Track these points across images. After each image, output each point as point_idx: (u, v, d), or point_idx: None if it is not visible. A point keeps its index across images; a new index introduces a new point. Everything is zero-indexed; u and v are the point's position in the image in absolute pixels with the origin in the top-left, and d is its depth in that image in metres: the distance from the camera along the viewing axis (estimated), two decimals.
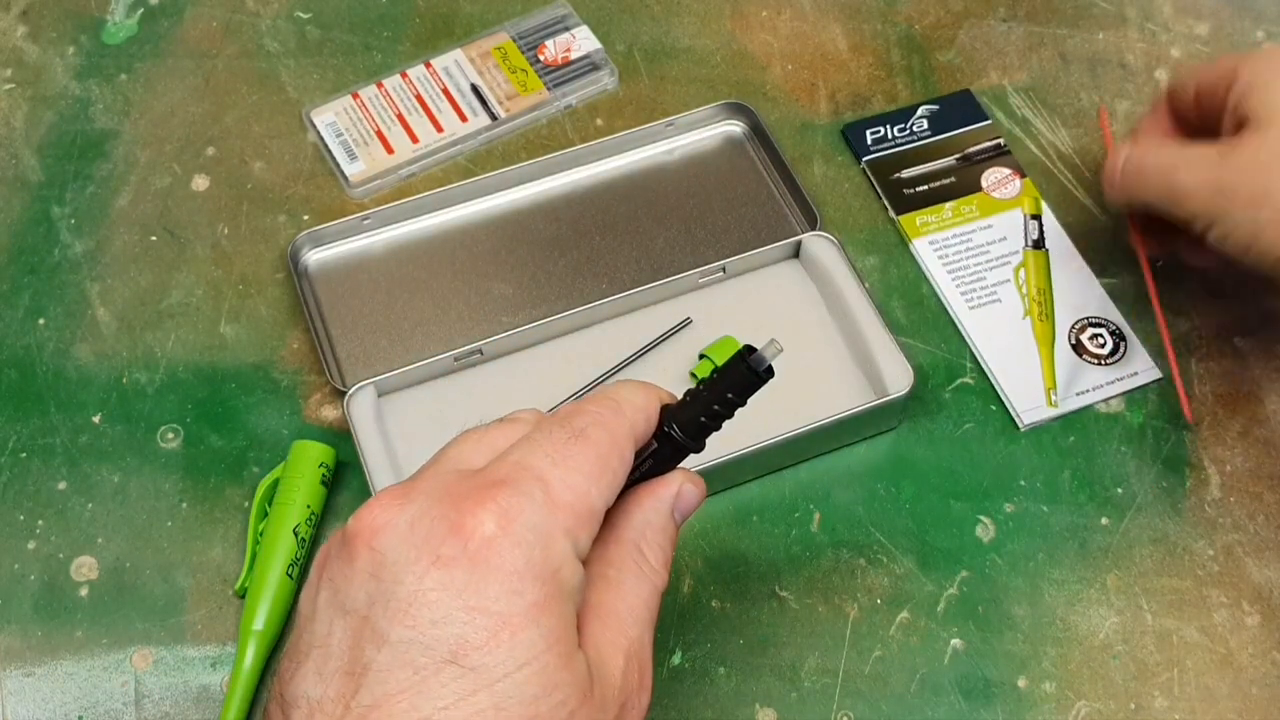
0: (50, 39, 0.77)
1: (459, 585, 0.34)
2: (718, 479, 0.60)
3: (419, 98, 0.73)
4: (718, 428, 0.41)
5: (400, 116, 0.72)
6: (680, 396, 0.42)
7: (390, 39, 0.77)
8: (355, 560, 0.36)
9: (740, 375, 0.41)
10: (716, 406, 0.41)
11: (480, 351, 0.63)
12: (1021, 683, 0.56)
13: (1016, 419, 0.63)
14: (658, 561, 0.40)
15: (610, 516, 0.39)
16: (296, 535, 0.57)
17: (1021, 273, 0.67)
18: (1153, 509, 0.61)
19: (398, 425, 0.62)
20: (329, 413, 0.63)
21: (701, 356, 0.62)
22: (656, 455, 0.41)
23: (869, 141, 0.72)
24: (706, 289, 0.65)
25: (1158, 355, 0.64)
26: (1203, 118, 0.59)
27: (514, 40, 0.75)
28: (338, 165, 0.71)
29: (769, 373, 0.41)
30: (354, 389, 0.61)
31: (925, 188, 0.70)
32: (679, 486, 0.41)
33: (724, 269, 0.65)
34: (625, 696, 0.37)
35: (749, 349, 0.41)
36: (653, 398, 0.41)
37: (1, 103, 0.74)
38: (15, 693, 0.56)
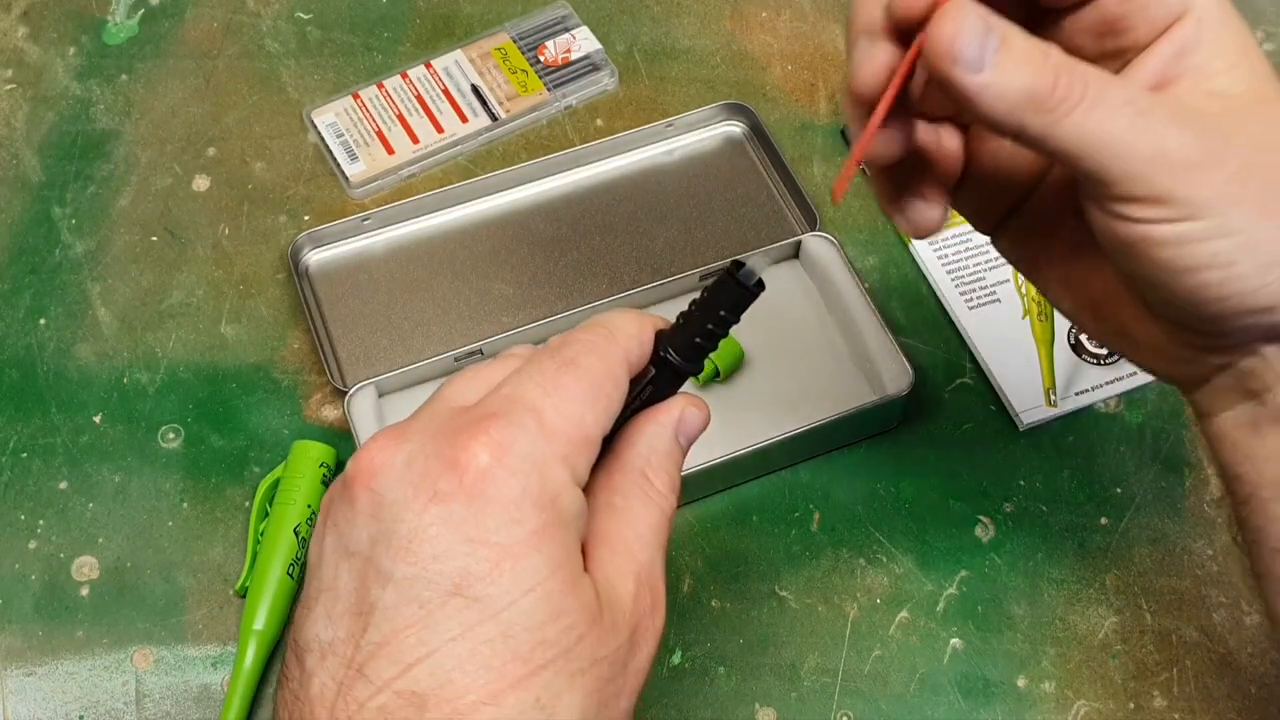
0: (51, 39, 0.77)
1: (458, 519, 0.34)
2: (718, 479, 0.60)
3: (419, 98, 0.73)
4: (714, 348, 0.41)
5: (401, 117, 0.72)
6: (675, 320, 0.41)
7: (391, 39, 0.77)
8: (356, 502, 0.36)
9: (731, 291, 0.40)
10: (710, 325, 0.40)
11: (480, 351, 0.63)
12: (1021, 682, 0.56)
13: (1016, 419, 0.63)
14: (664, 486, 0.40)
15: (614, 445, 0.39)
16: (297, 535, 0.57)
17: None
18: (1152, 509, 0.61)
19: None
20: (329, 413, 0.63)
21: None
22: (656, 381, 0.41)
23: None
24: None
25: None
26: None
27: (514, 41, 0.75)
28: (338, 166, 0.71)
29: (759, 286, 0.40)
30: (354, 389, 0.61)
31: None
32: (681, 410, 0.40)
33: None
34: (637, 620, 0.37)
35: (737, 264, 0.40)
36: (645, 324, 0.40)
37: (2, 103, 0.74)
38: (16, 692, 0.56)
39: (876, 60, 0.38)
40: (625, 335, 0.39)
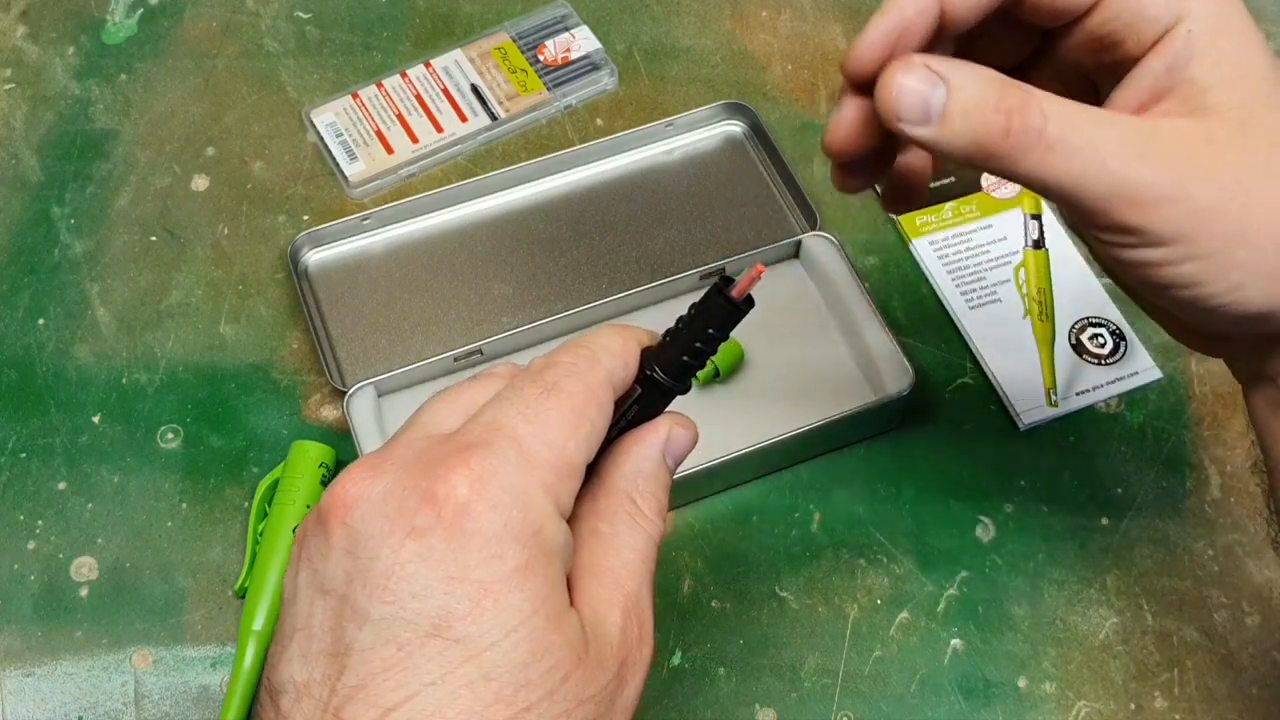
0: (50, 39, 0.77)
1: (437, 556, 0.33)
2: (718, 479, 0.60)
3: (419, 98, 0.73)
4: (701, 365, 0.40)
5: (400, 116, 0.72)
6: (661, 336, 0.40)
7: (390, 39, 0.77)
8: (330, 538, 0.35)
9: (719, 308, 0.39)
10: (698, 344, 0.39)
11: (480, 351, 0.63)
12: (1021, 683, 0.56)
13: (1016, 419, 0.63)
14: (651, 510, 0.38)
15: (599, 468, 0.38)
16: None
17: (1021, 272, 0.67)
18: (1153, 509, 0.61)
19: (397, 425, 0.62)
20: (329, 413, 0.63)
21: None
22: (642, 401, 0.39)
23: None
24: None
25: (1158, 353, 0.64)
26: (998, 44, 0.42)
27: (514, 40, 0.75)
28: (337, 165, 0.71)
29: (749, 303, 0.39)
30: (354, 389, 0.61)
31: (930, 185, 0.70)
32: (668, 430, 0.39)
33: (724, 269, 0.65)
34: (625, 653, 0.36)
35: (726, 280, 0.39)
36: (630, 342, 0.39)
37: (1, 103, 0.74)
38: (15, 693, 0.56)
39: (843, 120, 0.40)
40: (609, 355, 0.38)
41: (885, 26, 0.38)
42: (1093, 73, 0.41)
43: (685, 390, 0.40)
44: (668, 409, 0.40)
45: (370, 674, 0.33)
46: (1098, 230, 0.38)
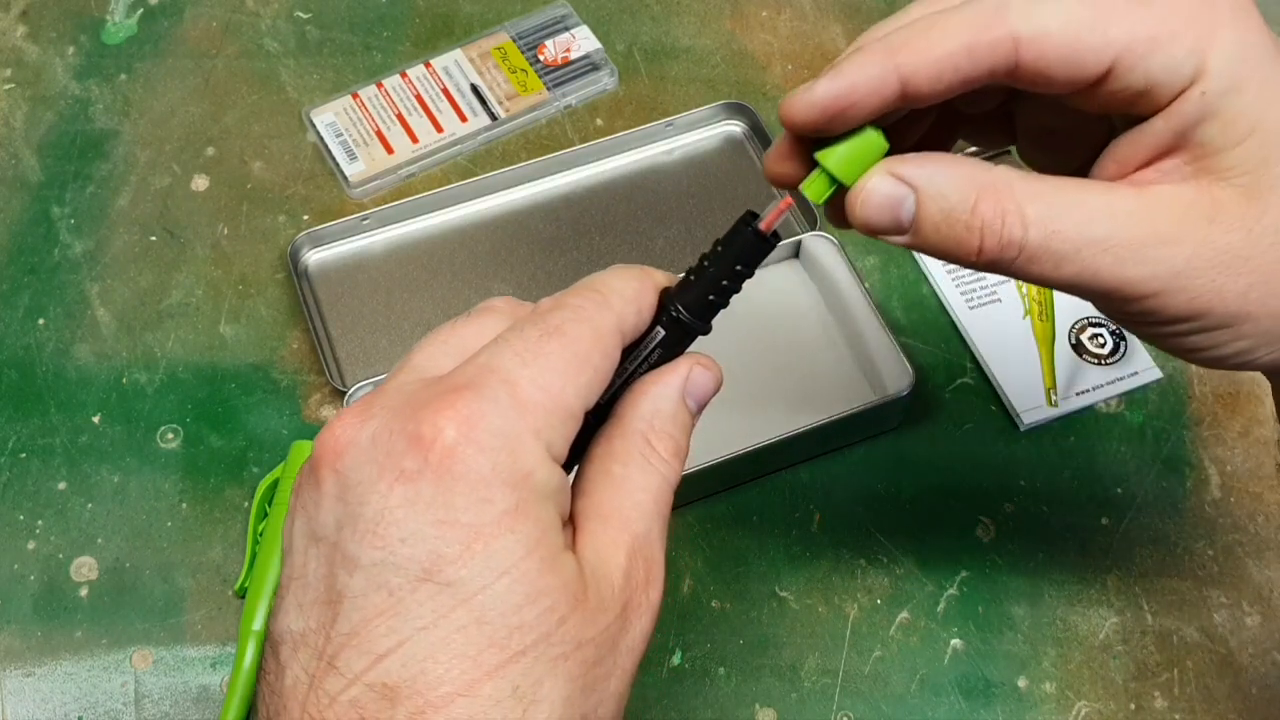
0: (50, 39, 0.77)
1: (425, 500, 0.32)
2: (718, 479, 0.60)
3: (419, 98, 0.73)
4: (726, 304, 0.38)
5: (400, 116, 0.72)
6: (684, 275, 0.39)
7: (390, 39, 0.77)
8: (322, 485, 0.34)
9: (747, 242, 0.38)
10: (725, 281, 0.38)
11: None
12: (1021, 683, 0.56)
13: (1016, 419, 0.63)
14: (667, 452, 0.37)
15: (616, 411, 0.37)
16: None
17: None
18: (1153, 509, 0.61)
19: None
20: (329, 413, 0.63)
21: None
22: (664, 343, 0.38)
23: None
24: None
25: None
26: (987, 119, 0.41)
27: (514, 40, 0.75)
28: (337, 165, 0.71)
29: (776, 237, 0.38)
30: (354, 389, 0.61)
31: None
32: (688, 370, 0.38)
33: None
34: (629, 595, 0.35)
35: (752, 214, 0.38)
36: (647, 285, 0.38)
37: (1, 103, 0.74)
38: (15, 693, 0.56)
39: (779, 151, 0.40)
40: (621, 300, 0.37)
41: (831, 92, 0.36)
42: (1110, 119, 0.39)
43: (707, 331, 0.39)
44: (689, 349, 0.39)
45: (362, 620, 0.32)
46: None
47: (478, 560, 0.32)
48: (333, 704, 0.32)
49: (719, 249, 0.38)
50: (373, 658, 0.32)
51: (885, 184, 0.36)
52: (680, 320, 0.38)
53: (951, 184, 0.36)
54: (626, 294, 0.37)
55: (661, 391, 0.37)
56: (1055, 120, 0.39)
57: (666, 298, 0.38)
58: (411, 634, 0.32)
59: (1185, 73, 0.35)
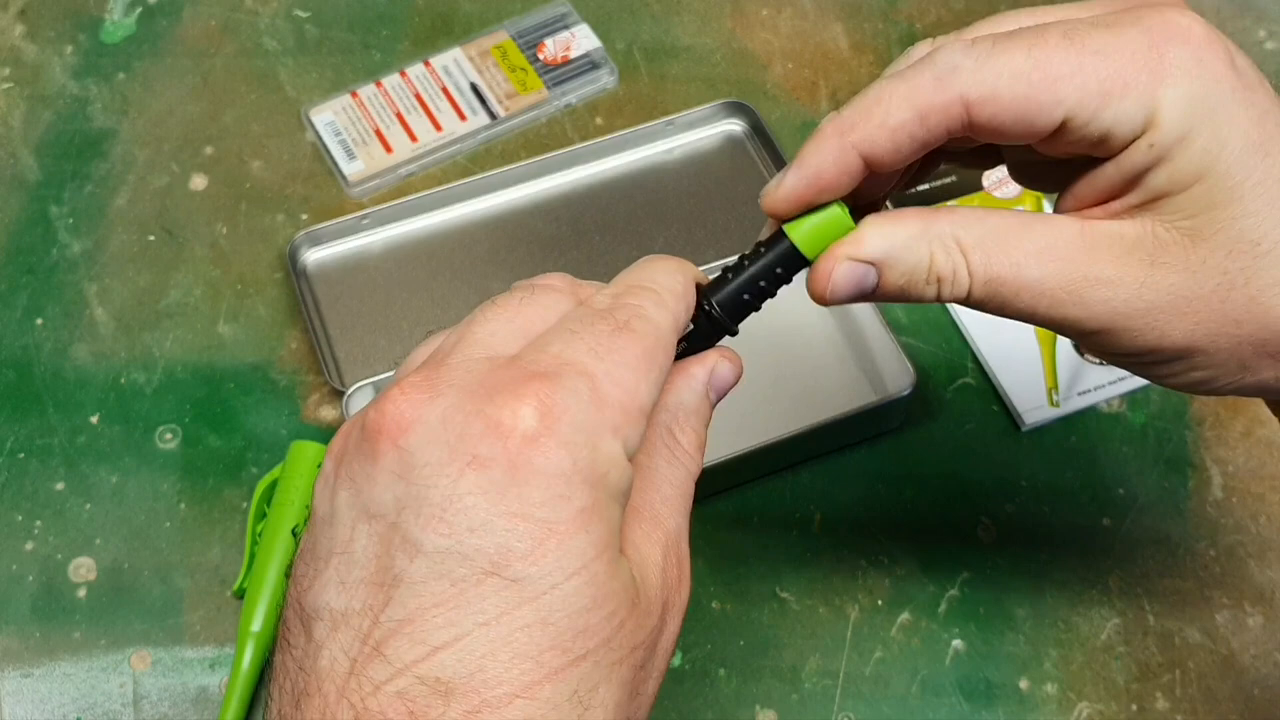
0: (48, 38, 0.76)
1: (499, 489, 0.31)
2: (718, 479, 0.60)
3: (418, 97, 0.73)
4: (758, 308, 0.39)
5: (399, 115, 0.72)
6: (722, 273, 0.39)
7: (389, 38, 0.76)
8: (379, 459, 0.32)
9: (788, 253, 0.38)
10: (762, 283, 0.38)
11: None
12: (1023, 684, 0.56)
13: (1018, 419, 0.63)
14: (690, 445, 0.37)
15: None
16: (295, 536, 0.57)
17: None
18: (1155, 509, 0.61)
19: None
20: (327, 413, 0.63)
21: None
22: (693, 336, 0.38)
23: None
24: None
25: None
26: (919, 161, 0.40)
27: (513, 39, 0.75)
28: (336, 165, 0.70)
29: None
30: (353, 389, 0.61)
31: (926, 186, 0.70)
32: (713, 363, 0.38)
33: (724, 268, 0.65)
34: (666, 595, 0.35)
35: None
36: (690, 281, 0.38)
37: None
38: (13, 694, 0.56)
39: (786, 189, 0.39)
40: (674, 298, 0.37)
41: (800, 184, 0.38)
42: (1067, 164, 0.39)
43: (735, 333, 0.39)
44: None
45: (419, 609, 0.31)
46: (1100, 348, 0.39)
47: (550, 558, 0.31)
48: (376, 692, 0.31)
49: (761, 251, 0.39)
50: (427, 649, 0.31)
51: (846, 272, 0.38)
52: (713, 317, 0.38)
53: (908, 250, 0.37)
54: (676, 289, 0.37)
55: (687, 384, 0.38)
56: (1033, 154, 0.39)
57: (701, 293, 0.39)
58: (472, 628, 0.31)
59: (1137, 123, 0.35)
